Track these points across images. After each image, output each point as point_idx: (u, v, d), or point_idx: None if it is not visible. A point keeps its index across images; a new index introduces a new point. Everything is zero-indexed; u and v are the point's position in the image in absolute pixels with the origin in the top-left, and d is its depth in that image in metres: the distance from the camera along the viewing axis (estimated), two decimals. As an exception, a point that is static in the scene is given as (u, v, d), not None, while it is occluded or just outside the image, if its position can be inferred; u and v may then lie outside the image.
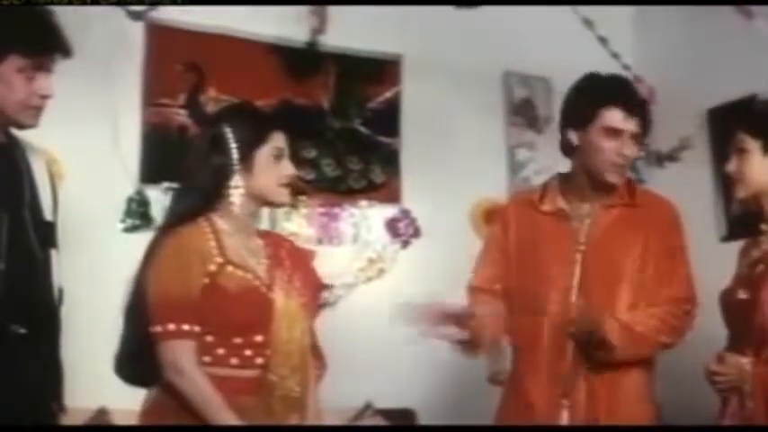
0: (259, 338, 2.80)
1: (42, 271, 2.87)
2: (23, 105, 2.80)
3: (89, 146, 4.53)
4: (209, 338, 2.77)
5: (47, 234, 2.91)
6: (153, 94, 4.77)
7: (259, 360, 2.80)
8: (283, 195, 2.96)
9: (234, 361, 2.78)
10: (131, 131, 4.71)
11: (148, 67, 4.77)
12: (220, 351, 2.77)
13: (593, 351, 3.24)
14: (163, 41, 4.79)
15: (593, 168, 3.33)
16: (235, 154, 2.85)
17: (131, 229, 4.62)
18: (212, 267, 2.79)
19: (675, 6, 5.04)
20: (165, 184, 4.69)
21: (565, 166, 3.53)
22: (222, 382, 2.74)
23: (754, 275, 3.13)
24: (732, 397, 3.08)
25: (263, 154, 2.89)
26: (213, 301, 2.77)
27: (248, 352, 2.79)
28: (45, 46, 2.79)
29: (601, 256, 3.31)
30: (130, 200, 4.67)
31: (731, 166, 3.21)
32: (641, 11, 5.55)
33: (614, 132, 3.28)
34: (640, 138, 3.37)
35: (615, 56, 5.25)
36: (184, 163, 2.96)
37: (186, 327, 2.74)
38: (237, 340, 2.78)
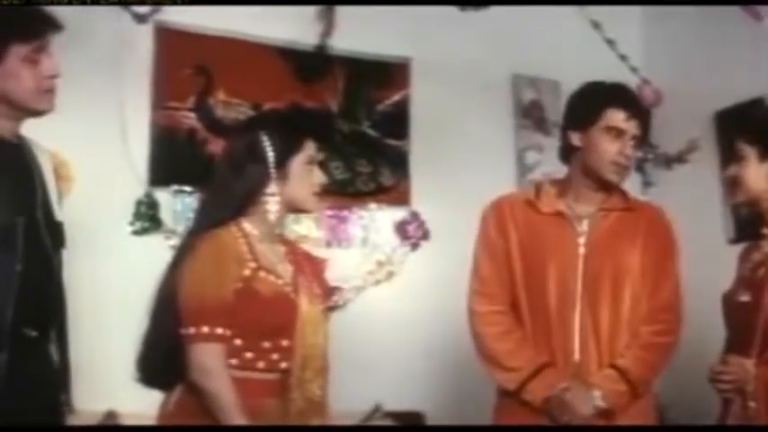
0: (286, 343, 2.82)
1: (56, 271, 2.90)
2: (36, 91, 2.82)
3: (98, 149, 4.53)
4: (238, 342, 2.79)
5: (58, 234, 2.92)
6: (162, 97, 4.78)
7: (284, 364, 2.82)
8: (315, 203, 3.01)
9: (261, 364, 2.80)
10: (140, 134, 4.70)
11: (157, 69, 4.77)
12: (248, 355, 2.80)
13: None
14: (172, 45, 4.79)
15: (595, 167, 3.35)
16: (272, 161, 2.88)
17: (140, 232, 4.62)
18: (247, 272, 2.81)
19: (684, 8, 5.03)
20: (174, 187, 4.70)
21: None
22: (247, 384, 2.76)
23: (756, 278, 3.16)
24: (735, 398, 3.11)
25: (298, 162, 2.92)
26: (246, 305, 2.79)
27: (275, 356, 2.81)
28: (40, 27, 2.82)
29: (603, 256, 3.32)
30: (139, 202, 4.66)
31: (730, 172, 3.29)
32: (649, 13, 5.54)
33: (616, 132, 3.32)
34: (639, 141, 3.41)
35: (623, 58, 5.24)
36: (218, 168, 2.99)
37: (219, 330, 2.75)
38: (266, 344, 2.80)
